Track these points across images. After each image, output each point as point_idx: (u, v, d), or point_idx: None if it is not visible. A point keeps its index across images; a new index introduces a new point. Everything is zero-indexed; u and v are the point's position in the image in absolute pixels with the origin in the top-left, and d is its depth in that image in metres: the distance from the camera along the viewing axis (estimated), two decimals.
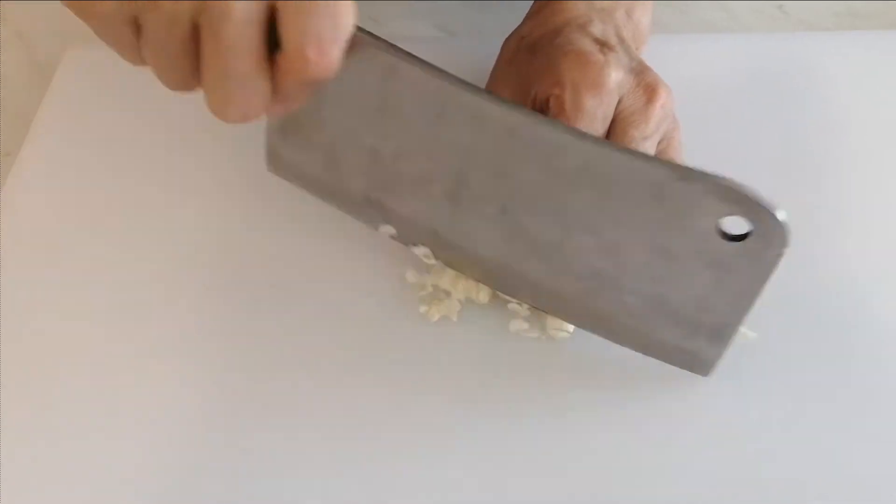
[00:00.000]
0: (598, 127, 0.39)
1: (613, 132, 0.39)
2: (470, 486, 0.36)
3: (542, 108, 0.40)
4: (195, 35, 0.29)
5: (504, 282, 0.39)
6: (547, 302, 0.39)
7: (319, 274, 0.42)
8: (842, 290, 0.41)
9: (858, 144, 0.47)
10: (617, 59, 0.39)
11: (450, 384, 0.39)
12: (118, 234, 0.44)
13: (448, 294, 0.41)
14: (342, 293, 0.42)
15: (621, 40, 0.41)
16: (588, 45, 0.40)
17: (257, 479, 0.37)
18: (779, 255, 0.32)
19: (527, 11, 0.45)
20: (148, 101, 0.50)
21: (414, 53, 0.34)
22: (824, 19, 0.56)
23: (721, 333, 0.36)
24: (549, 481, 0.36)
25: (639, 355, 0.39)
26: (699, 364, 0.38)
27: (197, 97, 0.47)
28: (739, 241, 0.33)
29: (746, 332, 0.38)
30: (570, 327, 0.40)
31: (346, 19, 0.30)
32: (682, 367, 0.38)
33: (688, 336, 0.37)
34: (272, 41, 0.30)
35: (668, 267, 0.35)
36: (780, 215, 0.31)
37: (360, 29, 0.32)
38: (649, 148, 0.39)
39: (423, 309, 0.41)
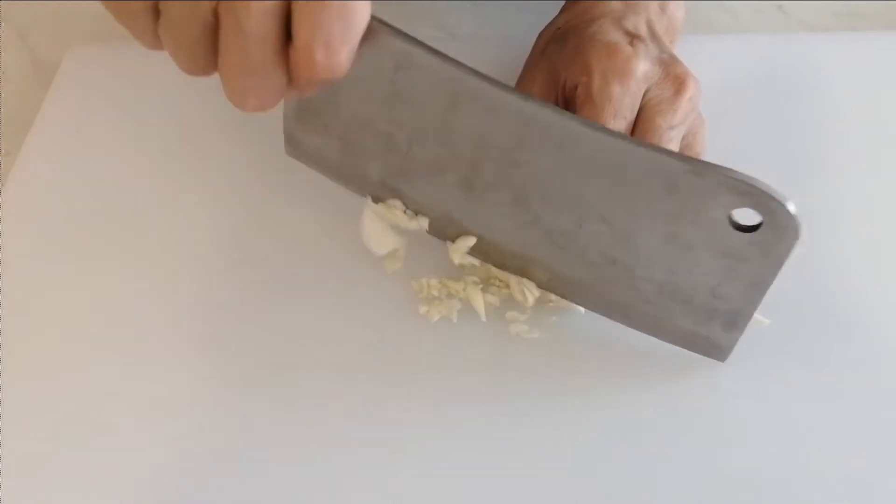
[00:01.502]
0: (626, 114, 0.39)
1: (640, 121, 0.39)
2: (470, 486, 0.36)
3: (570, 95, 0.41)
4: (214, 22, 0.29)
5: (520, 267, 0.40)
6: (563, 287, 0.39)
7: (320, 273, 0.43)
8: (840, 287, 0.41)
9: (858, 144, 0.47)
10: (646, 50, 0.40)
11: (449, 384, 0.39)
12: (119, 234, 0.44)
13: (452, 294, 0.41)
14: (342, 293, 0.42)
15: (652, 33, 0.42)
16: (618, 37, 0.40)
17: (256, 479, 0.37)
18: (791, 246, 0.33)
19: (528, 12, 0.46)
20: (148, 101, 0.50)
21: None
22: (824, 19, 0.56)
23: (735, 320, 0.37)
24: (550, 481, 0.36)
25: (640, 353, 0.39)
26: (715, 349, 0.38)
27: (197, 96, 0.47)
28: (751, 231, 0.33)
29: (761, 318, 0.38)
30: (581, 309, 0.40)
31: (359, 19, 0.29)
32: (698, 352, 0.39)
33: (702, 322, 0.37)
34: (289, 33, 0.29)
35: (681, 256, 0.35)
36: (791, 207, 0.32)
37: (373, 17, 0.31)
38: (674, 138, 0.39)
39: (423, 309, 0.41)
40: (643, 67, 0.39)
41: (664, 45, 0.42)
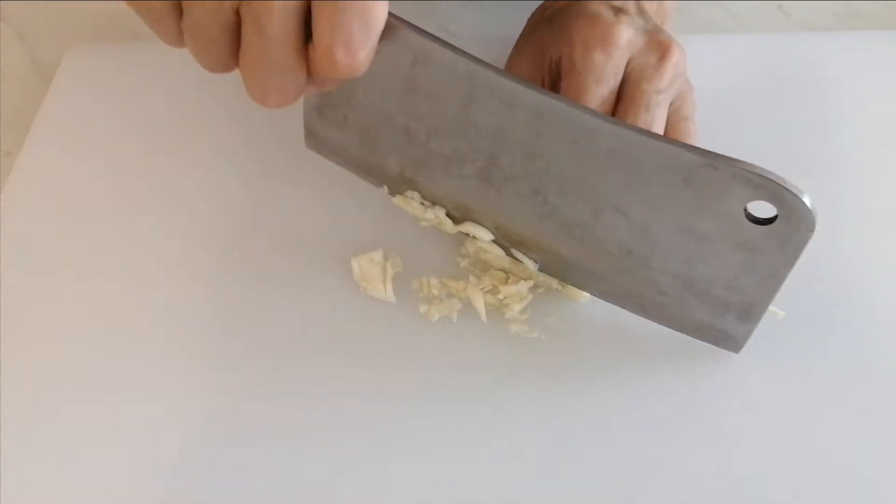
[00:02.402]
0: (610, 80, 0.39)
1: (626, 87, 0.39)
2: (470, 486, 0.36)
3: (555, 69, 0.41)
4: (236, 22, 0.30)
5: (537, 256, 0.40)
6: (580, 278, 0.40)
7: (320, 271, 0.43)
8: (840, 285, 0.41)
9: (858, 144, 0.47)
10: (629, 20, 0.40)
11: (449, 384, 0.39)
12: (118, 234, 0.44)
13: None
14: (342, 292, 0.42)
15: (640, 9, 0.42)
16: (601, 9, 0.40)
17: (256, 476, 0.37)
18: (806, 238, 0.33)
19: (528, 12, 0.46)
20: (148, 101, 0.50)
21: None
22: (824, 19, 0.56)
23: (750, 312, 0.37)
24: (550, 481, 0.36)
25: (640, 353, 0.39)
26: (730, 341, 0.38)
27: (198, 95, 0.47)
28: (767, 224, 0.33)
29: (775, 310, 0.38)
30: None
31: (378, 19, 0.30)
32: (711, 342, 0.39)
33: (718, 314, 0.37)
34: (309, 32, 0.30)
35: (697, 248, 0.35)
36: (806, 199, 0.32)
37: (390, 14, 0.32)
38: (662, 102, 0.39)
39: (423, 309, 0.41)
40: (626, 35, 0.39)
41: (650, 17, 0.42)
